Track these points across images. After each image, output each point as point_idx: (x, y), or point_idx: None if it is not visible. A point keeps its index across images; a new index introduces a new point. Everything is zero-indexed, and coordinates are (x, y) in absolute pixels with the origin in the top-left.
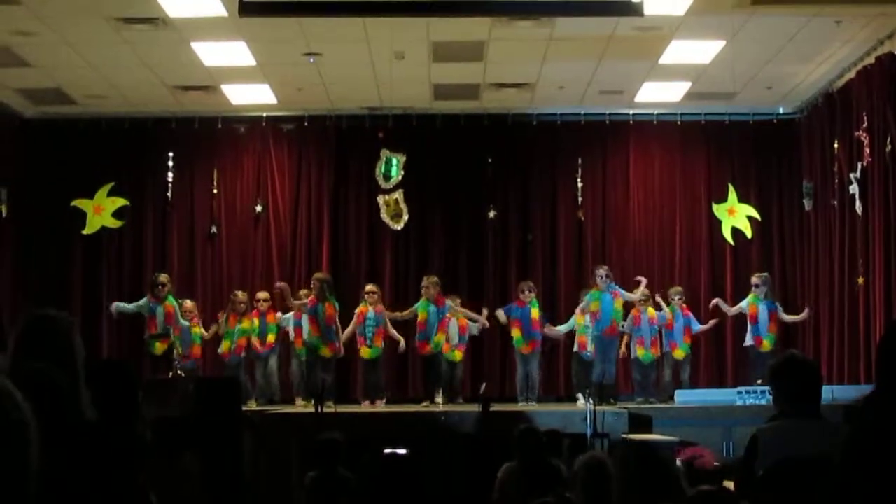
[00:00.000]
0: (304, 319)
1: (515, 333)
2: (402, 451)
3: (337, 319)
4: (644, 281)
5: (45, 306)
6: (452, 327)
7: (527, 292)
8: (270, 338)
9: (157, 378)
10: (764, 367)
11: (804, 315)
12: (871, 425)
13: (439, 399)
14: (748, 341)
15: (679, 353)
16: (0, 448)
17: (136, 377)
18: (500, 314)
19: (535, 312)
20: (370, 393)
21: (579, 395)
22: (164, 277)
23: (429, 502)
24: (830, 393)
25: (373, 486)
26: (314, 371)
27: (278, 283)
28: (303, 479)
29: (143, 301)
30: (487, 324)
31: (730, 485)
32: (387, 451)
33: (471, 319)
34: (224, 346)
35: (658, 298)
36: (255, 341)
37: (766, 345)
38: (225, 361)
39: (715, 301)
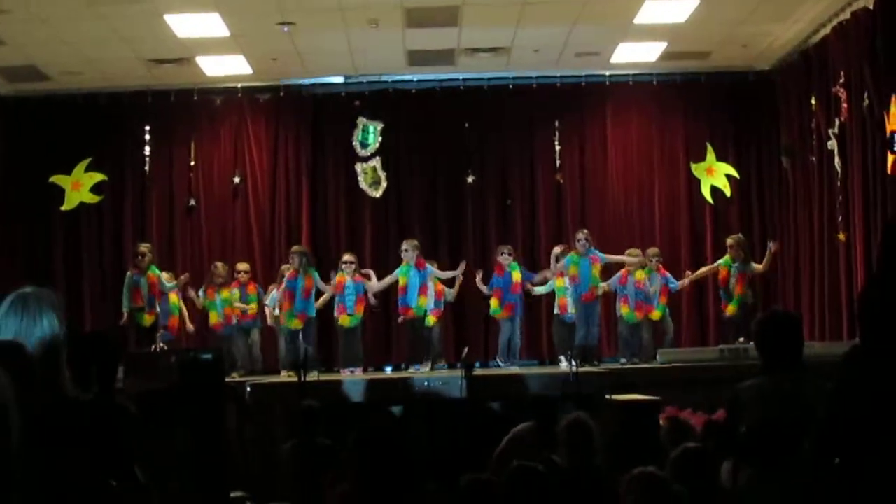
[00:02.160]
0: (280, 293)
1: (494, 303)
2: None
3: (314, 290)
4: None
5: (26, 283)
6: (429, 292)
7: (506, 255)
8: (252, 308)
9: (140, 351)
10: (736, 329)
11: (771, 247)
12: (855, 378)
13: (426, 368)
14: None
15: (655, 315)
16: None
17: (118, 349)
18: (484, 288)
19: (516, 275)
20: (349, 362)
21: (562, 358)
22: (144, 247)
23: (415, 468)
24: (812, 349)
25: (360, 455)
26: (295, 342)
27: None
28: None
29: (126, 279)
30: (462, 277)
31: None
32: (373, 419)
33: (449, 281)
34: (213, 319)
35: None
36: (236, 311)
37: (731, 308)
38: (217, 332)
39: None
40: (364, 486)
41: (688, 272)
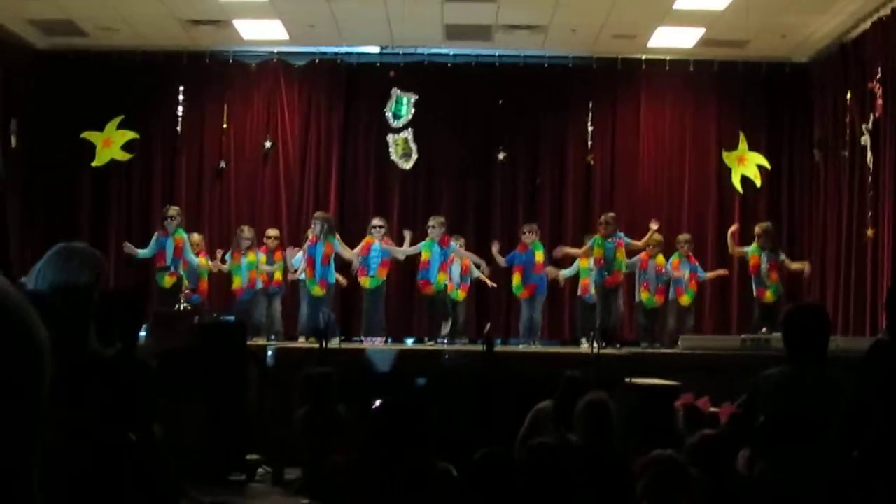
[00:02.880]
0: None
1: (515, 279)
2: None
3: (334, 256)
4: (655, 225)
5: (50, 237)
6: (455, 268)
7: (528, 234)
8: (277, 275)
9: (163, 310)
10: (768, 317)
11: (806, 269)
12: (879, 372)
13: (445, 332)
14: (755, 292)
15: (685, 300)
16: (18, 372)
17: (142, 308)
18: (501, 259)
19: (538, 255)
20: (371, 331)
21: (583, 339)
22: (173, 210)
23: (432, 442)
24: (836, 344)
25: (368, 427)
26: (317, 309)
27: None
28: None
29: (152, 240)
30: (487, 271)
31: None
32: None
33: (475, 264)
34: (236, 282)
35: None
36: (262, 276)
37: (769, 295)
38: (238, 297)
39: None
40: (367, 458)
41: (733, 234)
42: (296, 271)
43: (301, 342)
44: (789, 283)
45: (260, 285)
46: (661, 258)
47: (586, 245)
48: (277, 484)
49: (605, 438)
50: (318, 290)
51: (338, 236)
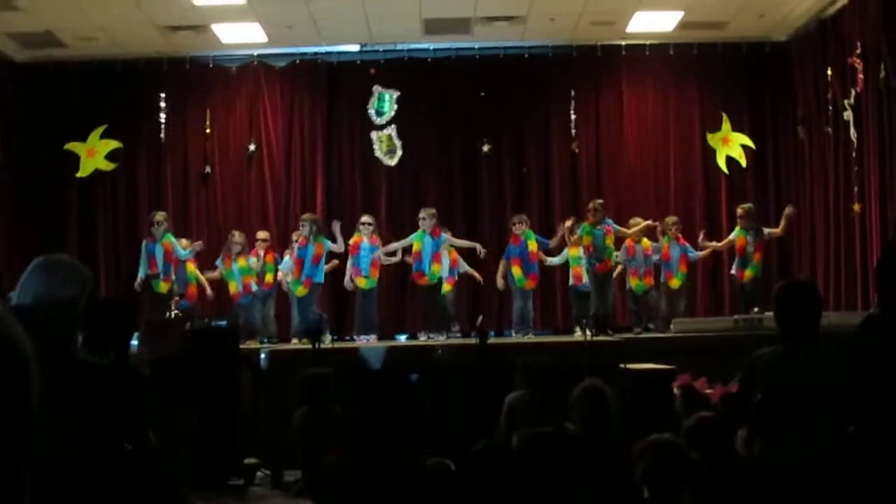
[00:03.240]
0: (292, 260)
1: (516, 272)
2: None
3: (325, 257)
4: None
5: (39, 250)
6: (444, 259)
7: (518, 224)
8: (269, 278)
9: (154, 318)
10: (751, 297)
11: (786, 211)
12: (871, 346)
13: (443, 331)
14: (734, 270)
15: (675, 283)
16: (4, 384)
17: (133, 317)
18: (502, 264)
19: (532, 245)
20: (364, 329)
21: (577, 328)
22: (160, 216)
23: (427, 436)
24: (827, 319)
25: (359, 425)
26: (304, 309)
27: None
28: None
29: (142, 251)
30: (483, 252)
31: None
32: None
33: (465, 247)
34: (232, 288)
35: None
36: (254, 280)
37: (748, 275)
38: (237, 301)
39: (701, 239)
40: (359, 457)
41: (704, 238)
42: (286, 275)
43: (294, 343)
44: (780, 261)
45: (255, 288)
46: (646, 241)
47: (574, 234)
48: (277, 487)
49: (602, 425)
50: (301, 290)
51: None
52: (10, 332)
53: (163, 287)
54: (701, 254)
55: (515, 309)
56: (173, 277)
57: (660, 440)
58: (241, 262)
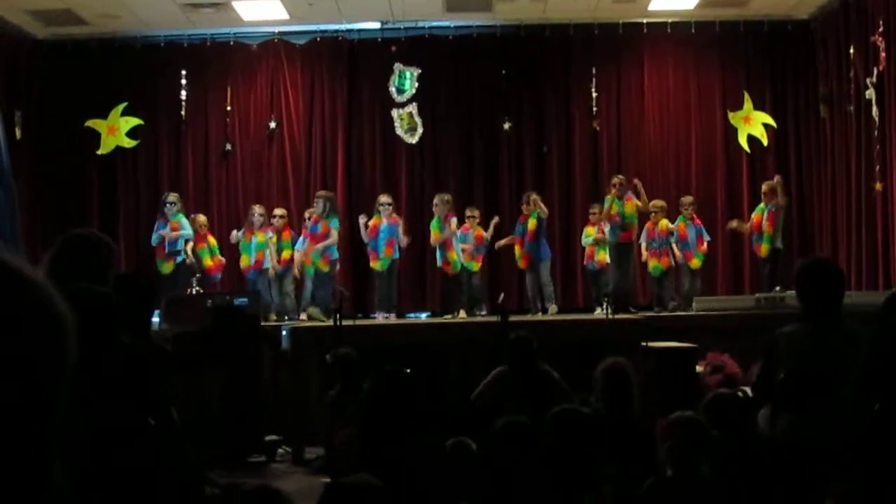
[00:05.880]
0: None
1: (517, 250)
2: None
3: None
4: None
5: (61, 226)
6: (469, 237)
7: (526, 204)
8: (286, 254)
9: (175, 295)
10: (771, 278)
11: (775, 178)
12: (895, 324)
13: (462, 315)
14: (754, 248)
15: (696, 263)
16: (41, 340)
17: (155, 293)
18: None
19: (531, 223)
20: (382, 307)
21: (596, 306)
22: (173, 196)
23: (423, 420)
24: (850, 298)
25: (372, 405)
26: (323, 286)
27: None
28: (322, 394)
29: (154, 230)
30: (496, 220)
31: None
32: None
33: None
34: (244, 261)
35: (639, 189)
36: (267, 255)
37: (764, 250)
38: (245, 276)
39: (730, 225)
40: (365, 433)
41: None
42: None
43: (304, 317)
44: (801, 237)
45: (267, 265)
46: (663, 222)
47: (605, 209)
48: (298, 463)
49: (625, 404)
50: (323, 265)
51: (338, 218)
52: (51, 298)
53: (166, 267)
54: (734, 224)
55: (529, 285)
56: (176, 258)
57: (683, 418)
58: (261, 236)
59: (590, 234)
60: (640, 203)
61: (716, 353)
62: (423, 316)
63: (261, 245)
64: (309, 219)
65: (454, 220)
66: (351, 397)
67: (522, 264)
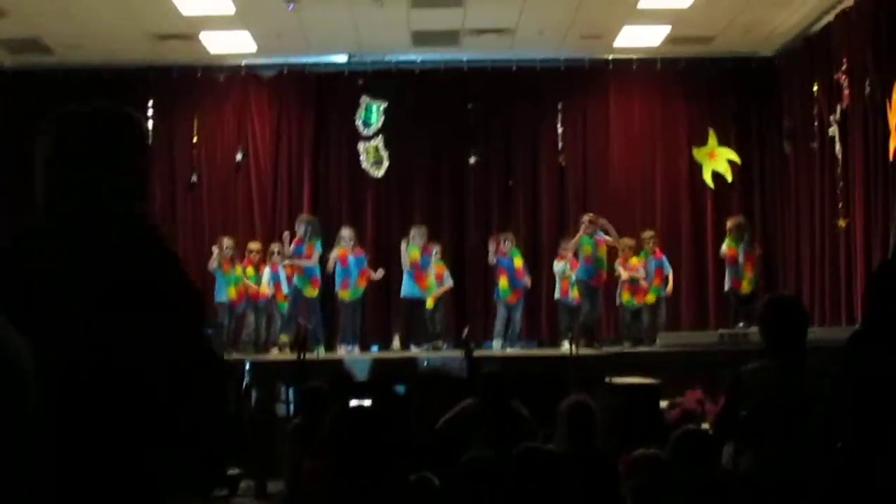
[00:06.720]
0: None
1: (503, 283)
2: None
3: (316, 261)
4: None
5: None
6: (430, 276)
7: (503, 243)
8: (264, 289)
9: None
10: (745, 309)
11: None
12: (859, 363)
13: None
14: (727, 285)
15: (650, 298)
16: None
17: None
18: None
19: (518, 261)
20: (346, 339)
21: (565, 341)
22: None
23: (412, 447)
24: (813, 334)
25: (336, 437)
26: (293, 319)
27: None
28: (284, 427)
29: None
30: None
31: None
32: (352, 403)
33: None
34: (231, 293)
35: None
36: (251, 289)
37: (745, 286)
38: (234, 309)
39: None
40: (334, 465)
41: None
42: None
43: (274, 352)
44: (765, 278)
45: (248, 297)
46: (633, 260)
47: (571, 245)
48: (260, 497)
49: (589, 440)
50: (311, 290)
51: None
52: (11, 351)
53: None
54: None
55: (499, 318)
56: None
57: (647, 454)
58: (238, 269)
59: (560, 264)
60: (609, 239)
61: (678, 390)
62: (374, 349)
63: (237, 279)
64: (279, 250)
65: (438, 249)
66: (314, 427)
67: (511, 299)
